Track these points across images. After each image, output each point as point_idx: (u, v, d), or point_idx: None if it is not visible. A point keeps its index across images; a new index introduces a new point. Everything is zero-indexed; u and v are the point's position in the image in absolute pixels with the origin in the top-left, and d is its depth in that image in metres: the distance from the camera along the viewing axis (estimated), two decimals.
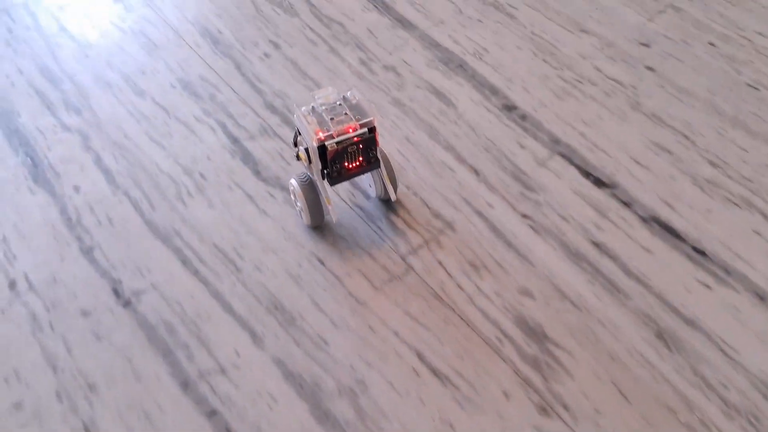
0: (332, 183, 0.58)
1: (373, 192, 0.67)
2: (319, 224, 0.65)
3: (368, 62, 0.85)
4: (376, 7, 0.93)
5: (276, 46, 0.88)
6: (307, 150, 0.57)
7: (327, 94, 0.57)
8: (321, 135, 0.55)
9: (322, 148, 0.55)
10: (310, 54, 0.87)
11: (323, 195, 0.60)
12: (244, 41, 0.89)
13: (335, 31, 0.90)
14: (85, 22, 0.94)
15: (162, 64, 0.86)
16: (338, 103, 0.56)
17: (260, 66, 0.86)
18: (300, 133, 0.58)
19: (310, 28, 0.90)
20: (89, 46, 0.90)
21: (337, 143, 0.55)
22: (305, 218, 0.63)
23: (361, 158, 0.57)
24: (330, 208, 0.59)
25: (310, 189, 0.60)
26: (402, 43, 0.88)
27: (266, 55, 0.87)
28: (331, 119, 0.55)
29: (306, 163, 0.59)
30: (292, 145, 0.68)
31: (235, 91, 0.83)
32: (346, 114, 0.55)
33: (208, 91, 0.82)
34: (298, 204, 0.63)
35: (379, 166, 0.60)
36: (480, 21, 0.90)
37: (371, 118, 0.56)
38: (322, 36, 0.89)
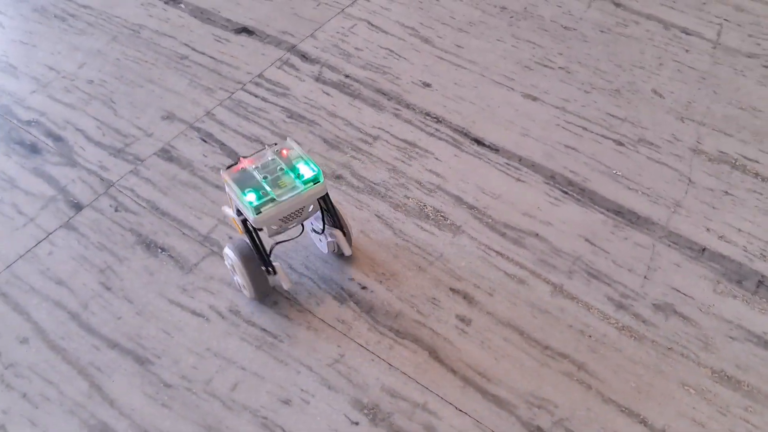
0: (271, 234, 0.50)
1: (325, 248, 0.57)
2: (267, 294, 0.54)
3: (625, 303, 0.54)
4: (568, 192, 0.61)
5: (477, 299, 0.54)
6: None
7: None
8: None
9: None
10: (530, 322, 0.54)
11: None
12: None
13: (539, 251, 0.57)
14: None
15: None
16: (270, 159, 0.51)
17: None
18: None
19: (503, 271, 0.56)
20: None
21: None
22: (248, 292, 0.53)
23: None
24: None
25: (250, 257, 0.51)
26: (650, 255, 0.57)
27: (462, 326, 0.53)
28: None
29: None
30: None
31: None
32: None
33: None
34: (237, 279, 0.53)
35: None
36: (728, 193, 0.62)
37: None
38: (542, 270, 0.56)
